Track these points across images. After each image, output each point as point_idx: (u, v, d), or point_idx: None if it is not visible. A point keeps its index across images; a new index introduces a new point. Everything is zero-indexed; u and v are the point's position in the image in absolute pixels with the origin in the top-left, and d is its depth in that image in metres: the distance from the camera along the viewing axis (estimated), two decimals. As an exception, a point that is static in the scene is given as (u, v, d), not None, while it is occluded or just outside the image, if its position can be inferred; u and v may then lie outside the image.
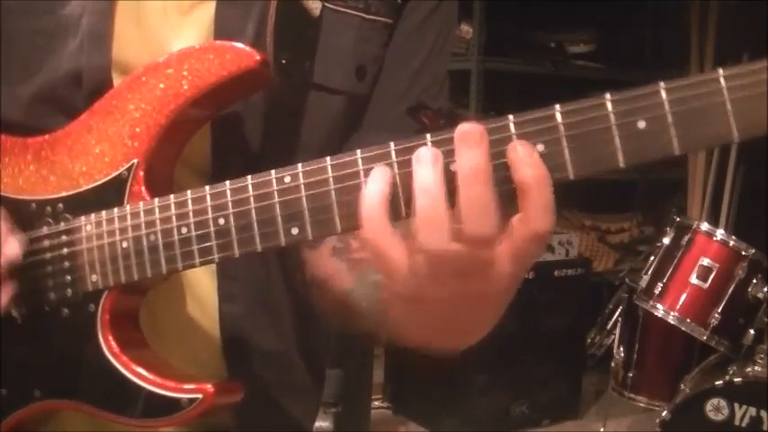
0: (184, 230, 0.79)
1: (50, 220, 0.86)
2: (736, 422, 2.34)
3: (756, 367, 2.44)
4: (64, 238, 0.85)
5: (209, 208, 0.78)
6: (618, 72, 4.20)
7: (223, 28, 0.90)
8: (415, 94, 1.00)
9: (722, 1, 3.76)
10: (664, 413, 2.46)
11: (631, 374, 2.84)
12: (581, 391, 3.53)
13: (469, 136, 0.64)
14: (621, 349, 2.90)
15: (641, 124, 0.64)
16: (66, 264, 0.85)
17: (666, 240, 2.69)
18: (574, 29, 4.13)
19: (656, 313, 2.63)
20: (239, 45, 0.83)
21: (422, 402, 3.40)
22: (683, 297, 2.60)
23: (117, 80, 0.89)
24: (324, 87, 0.94)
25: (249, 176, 0.77)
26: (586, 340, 3.70)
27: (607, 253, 4.29)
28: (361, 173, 0.71)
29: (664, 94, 0.64)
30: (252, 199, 0.76)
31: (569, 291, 3.39)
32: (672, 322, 2.60)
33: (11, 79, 0.90)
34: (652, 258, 2.74)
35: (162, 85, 0.84)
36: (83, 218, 0.84)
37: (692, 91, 0.63)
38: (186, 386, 0.81)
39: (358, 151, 0.71)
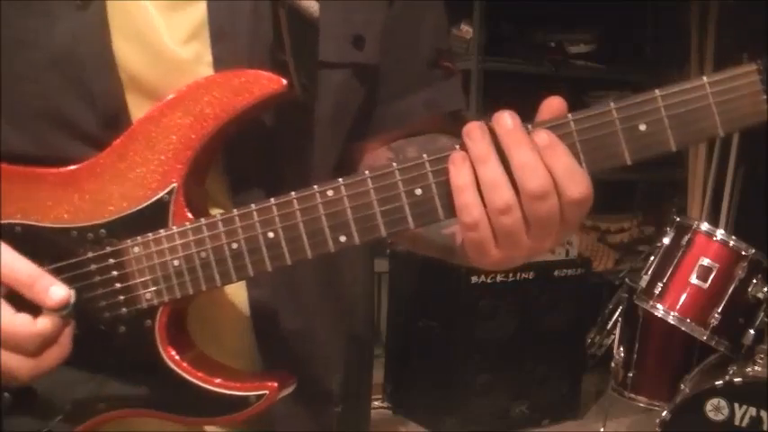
0: (235, 246, 0.85)
1: (94, 246, 0.89)
2: (736, 422, 2.34)
3: (756, 367, 2.44)
4: (111, 260, 0.89)
5: (257, 223, 0.85)
6: (618, 72, 4.21)
7: (218, 26, 0.91)
8: (430, 44, 1.05)
9: (722, 1, 3.76)
10: (664, 413, 2.46)
11: (631, 374, 2.84)
12: (581, 391, 3.53)
13: (503, 115, 0.78)
14: (621, 349, 2.90)
15: (642, 127, 0.76)
16: (118, 285, 0.89)
17: (666, 240, 2.69)
18: (574, 29, 4.14)
19: (656, 313, 2.64)
20: (266, 72, 0.88)
21: (422, 402, 3.40)
22: (683, 297, 2.60)
23: (129, 96, 0.92)
24: (325, 63, 0.95)
25: (293, 192, 0.84)
26: (586, 340, 3.69)
27: (607, 253, 4.29)
28: (400, 183, 0.81)
29: (660, 101, 0.76)
30: (298, 213, 0.84)
31: (569, 291, 3.39)
32: (672, 322, 2.60)
33: (18, 111, 0.92)
34: (652, 258, 2.74)
35: (192, 112, 0.88)
36: (128, 240, 0.88)
37: (683, 96, 0.76)
38: (253, 384, 0.89)
39: (394, 164, 0.81)
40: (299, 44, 0.91)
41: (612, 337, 3.32)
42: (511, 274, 3.26)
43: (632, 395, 2.85)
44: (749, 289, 2.57)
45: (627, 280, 3.07)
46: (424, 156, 0.81)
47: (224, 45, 0.91)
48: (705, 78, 0.75)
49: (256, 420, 0.93)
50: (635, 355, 2.85)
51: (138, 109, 0.91)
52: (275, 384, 0.89)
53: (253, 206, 0.85)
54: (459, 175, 0.79)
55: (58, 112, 0.91)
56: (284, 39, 0.89)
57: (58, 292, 0.85)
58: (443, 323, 3.29)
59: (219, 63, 0.91)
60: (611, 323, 3.64)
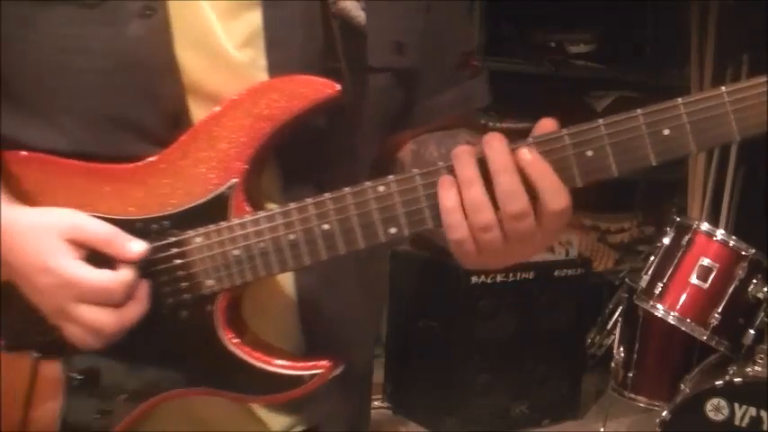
0: (292, 236, 0.93)
1: (158, 236, 0.95)
2: (736, 422, 2.34)
3: (756, 367, 2.44)
4: (174, 250, 0.95)
5: (314, 216, 0.92)
6: (618, 72, 4.21)
7: (273, 33, 0.97)
8: (460, 46, 1.14)
9: (722, 1, 3.76)
10: (664, 413, 2.46)
11: (631, 374, 2.84)
12: (581, 391, 3.53)
13: (493, 138, 0.88)
14: (621, 349, 2.90)
15: (666, 131, 0.85)
16: (180, 272, 0.95)
17: (666, 240, 2.69)
18: (574, 29, 4.14)
19: (656, 313, 2.64)
20: (321, 78, 0.95)
21: (422, 402, 3.40)
22: (683, 297, 2.60)
23: (189, 98, 0.97)
24: (369, 68, 1.02)
25: (347, 188, 0.92)
26: (586, 340, 3.69)
27: (607, 253, 4.29)
28: None
29: (682, 108, 0.85)
30: (352, 207, 0.92)
31: (569, 291, 3.39)
32: (672, 322, 2.60)
33: (84, 114, 0.97)
34: (652, 258, 2.74)
35: (252, 114, 0.95)
36: (191, 231, 0.95)
37: (703, 104, 0.85)
38: (306, 364, 0.96)
39: (440, 163, 0.90)
40: (350, 51, 0.98)
41: (612, 337, 3.33)
42: (511, 274, 3.26)
43: (632, 395, 2.86)
44: (749, 289, 2.57)
45: (627, 280, 3.07)
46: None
47: (278, 51, 0.97)
48: (723, 88, 0.84)
49: (294, 403, 1.01)
50: (635, 355, 2.85)
51: (197, 110, 0.97)
52: (328, 364, 0.96)
53: (309, 200, 0.92)
54: (447, 197, 0.88)
55: (124, 114, 0.97)
56: (337, 46, 0.97)
57: (136, 245, 0.93)
58: (443, 323, 3.29)
59: (274, 68, 0.97)
60: (611, 323, 3.65)
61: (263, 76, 0.97)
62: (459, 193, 0.88)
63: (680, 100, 0.85)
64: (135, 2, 0.94)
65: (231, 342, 0.96)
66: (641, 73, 4.22)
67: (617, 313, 3.35)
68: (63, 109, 0.97)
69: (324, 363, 0.96)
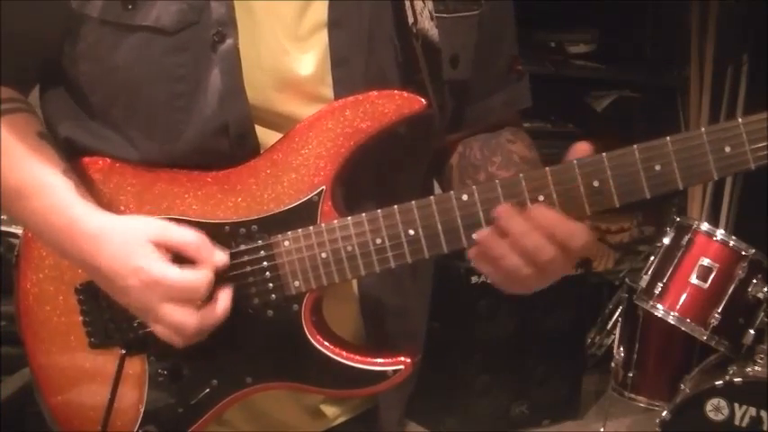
0: (378, 241, 0.97)
1: (246, 240, 1.00)
2: (736, 422, 2.34)
3: (756, 367, 2.44)
4: (262, 253, 1.00)
5: (400, 222, 0.97)
6: (618, 72, 4.20)
7: (338, 54, 1.02)
8: (507, 52, 1.21)
9: (722, 1, 3.76)
10: (664, 413, 2.46)
11: (631, 374, 2.84)
12: (581, 391, 3.53)
13: (504, 211, 0.94)
14: (621, 349, 2.90)
15: (727, 149, 0.92)
16: (268, 274, 1.00)
17: (666, 240, 2.69)
18: (574, 29, 4.13)
19: (656, 313, 2.63)
20: (407, 93, 0.99)
21: (422, 402, 3.39)
22: (683, 297, 2.60)
23: (255, 115, 1.01)
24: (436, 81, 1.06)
25: (432, 197, 0.96)
26: (586, 340, 3.69)
27: (607, 253, 4.29)
28: (525, 192, 0.94)
29: (742, 128, 0.91)
30: (437, 214, 0.96)
31: (569, 291, 3.39)
32: (672, 322, 2.60)
33: (157, 138, 1.02)
34: (652, 258, 2.74)
35: (342, 125, 0.99)
36: (279, 235, 0.99)
37: (759, 125, 0.91)
38: (389, 360, 1.01)
39: (521, 174, 0.95)
40: (431, 68, 1.04)
41: (612, 337, 3.33)
42: (511, 274, 3.26)
43: (632, 395, 2.85)
44: (749, 289, 2.57)
45: (627, 280, 3.07)
46: (547, 169, 0.95)
47: (343, 69, 1.02)
48: None
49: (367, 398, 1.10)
50: (635, 355, 2.85)
51: (264, 128, 1.02)
52: (409, 360, 1.00)
53: (396, 207, 0.97)
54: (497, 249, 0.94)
55: (192, 134, 1.01)
56: (421, 64, 1.03)
57: (220, 254, 0.97)
58: (443, 323, 3.29)
59: (338, 84, 1.02)
60: (611, 323, 3.65)
61: (328, 92, 1.02)
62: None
63: (740, 120, 0.92)
64: (208, 30, 0.99)
65: (317, 339, 1.00)
66: (641, 73, 4.22)
67: (617, 313, 3.34)
68: (135, 125, 1.02)
69: (405, 359, 1.00)
